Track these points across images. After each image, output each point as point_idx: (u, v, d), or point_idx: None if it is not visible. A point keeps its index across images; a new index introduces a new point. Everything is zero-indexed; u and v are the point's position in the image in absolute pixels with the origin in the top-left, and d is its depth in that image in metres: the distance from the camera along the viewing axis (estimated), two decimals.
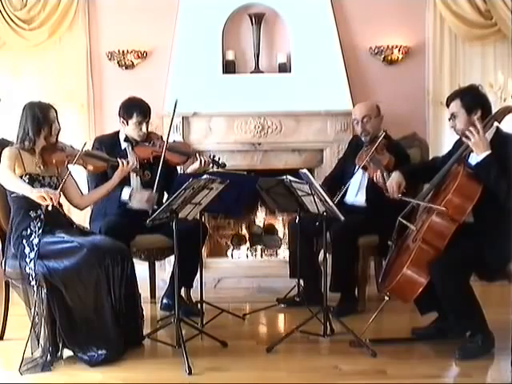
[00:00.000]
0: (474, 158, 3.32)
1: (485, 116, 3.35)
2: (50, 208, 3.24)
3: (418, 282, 3.23)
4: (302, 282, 4.24)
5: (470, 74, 5.08)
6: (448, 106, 3.47)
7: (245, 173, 4.30)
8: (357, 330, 3.47)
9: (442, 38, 5.11)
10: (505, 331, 3.28)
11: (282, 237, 5.39)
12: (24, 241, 3.32)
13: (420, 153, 4.40)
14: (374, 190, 4.02)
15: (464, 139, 3.31)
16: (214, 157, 4.15)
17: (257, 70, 5.12)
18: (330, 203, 3.42)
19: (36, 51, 5.05)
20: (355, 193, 4.25)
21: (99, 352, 3.22)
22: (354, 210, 4.12)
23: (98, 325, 3.25)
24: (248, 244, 5.39)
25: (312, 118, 5.04)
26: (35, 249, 3.27)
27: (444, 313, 3.43)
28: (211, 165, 4.11)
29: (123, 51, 5.03)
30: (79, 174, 3.87)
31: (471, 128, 3.24)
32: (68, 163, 3.50)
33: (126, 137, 4.11)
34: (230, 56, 5.11)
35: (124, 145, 4.10)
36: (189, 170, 4.16)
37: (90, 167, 3.70)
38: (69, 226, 3.53)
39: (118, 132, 4.19)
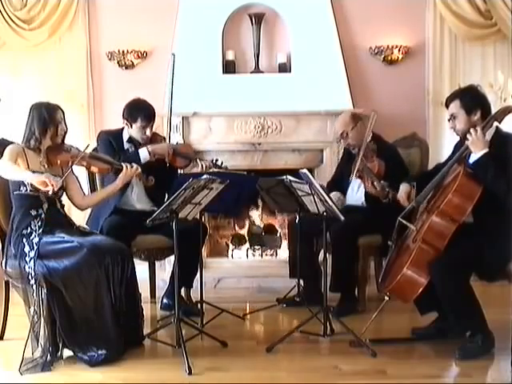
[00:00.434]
0: (473, 158, 3.32)
1: (484, 116, 3.35)
2: (50, 193, 3.21)
3: (418, 282, 3.23)
4: (301, 282, 4.24)
5: (469, 74, 5.08)
6: (447, 106, 3.47)
7: (245, 173, 4.30)
8: (357, 330, 3.48)
9: (441, 38, 5.10)
10: (505, 331, 3.28)
11: (281, 236, 5.39)
12: (24, 240, 3.32)
13: (420, 153, 4.41)
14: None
15: (465, 140, 3.31)
16: (216, 161, 4.13)
17: (257, 70, 5.12)
18: (330, 203, 3.42)
19: (36, 51, 5.05)
20: (355, 193, 4.25)
21: (99, 352, 3.22)
22: (354, 210, 4.12)
23: (98, 325, 3.25)
24: (248, 244, 5.39)
25: (312, 118, 5.03)
26: (35, 248, 3.27)
27: (444, 313, 3.43)
28: (212, 168, 4.10)
29: (123, 51, 5.03)
30: (80, 175, 3.85)
31: (472, 130, 3.24)
32: (72, 164, 3.49)
33: (129, 138, 4.09)
34: (230, 56, 5.11)
35: (127, 145, 4.09)
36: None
37: (95, 169, 3.70)
38: (69, 226, 3.52)
39: (121, 130, 4.14)
